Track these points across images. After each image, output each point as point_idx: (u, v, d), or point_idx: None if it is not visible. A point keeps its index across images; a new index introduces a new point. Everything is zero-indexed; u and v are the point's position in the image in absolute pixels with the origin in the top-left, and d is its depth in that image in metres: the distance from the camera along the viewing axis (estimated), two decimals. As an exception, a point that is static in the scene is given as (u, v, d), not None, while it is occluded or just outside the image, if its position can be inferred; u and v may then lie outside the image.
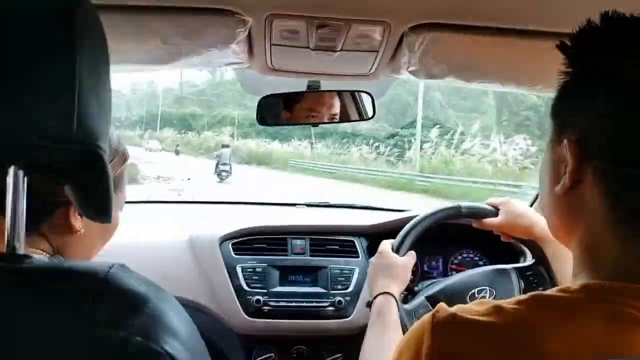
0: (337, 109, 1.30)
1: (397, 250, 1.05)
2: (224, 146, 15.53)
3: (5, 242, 0.43)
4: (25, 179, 0.43)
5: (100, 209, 0.45)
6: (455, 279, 1.14)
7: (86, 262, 0.44)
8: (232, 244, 1.44)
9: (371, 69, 1.07)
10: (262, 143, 27.33)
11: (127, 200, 1.92)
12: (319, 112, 1.28)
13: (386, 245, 1.07)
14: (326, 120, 1.28)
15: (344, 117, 1.33)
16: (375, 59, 0.99)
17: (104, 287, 0.41)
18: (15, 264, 0.42)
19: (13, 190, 0.43)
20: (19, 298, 0.40)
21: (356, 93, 1.31)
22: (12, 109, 0.37)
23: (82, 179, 0.43)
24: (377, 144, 21.74)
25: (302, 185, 14.77)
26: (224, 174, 13.71)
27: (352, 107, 1.35)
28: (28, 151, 0.39)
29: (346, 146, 24.12)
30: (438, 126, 19.73)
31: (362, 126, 25.98)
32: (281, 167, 22.37)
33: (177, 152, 25.65)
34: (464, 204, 1.12)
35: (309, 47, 0.94)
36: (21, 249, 0.43)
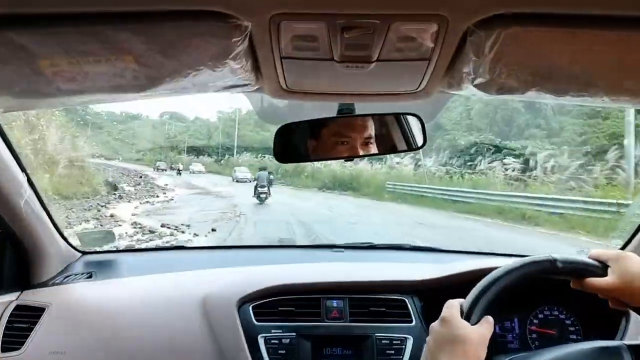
0: (371, 134, 1.12)
1: (467, 315, 0.84)
2: (261, 169, 17.79)
3: None
4: None
5: None
6: (547, 356, 0.91)
7: None
8: (253, 307, 1.30)
9: (420, 84, 0.86)
10: (348, 163, 25.09)
11: (138, 248, 1.93)
12: (348, 139, 1.11)
13: (452, 308, 0.86)
14: (361, 152, 1.11)
15: (384, 147, 1.16)
16: (426, 70, 0.79)
17: None
18: None
19: None
20: None
21: (401, 117, 1.14)
22: None
23: None
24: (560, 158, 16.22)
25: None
26: (262, 195, 15.52)
27: (395, 134, 1.16)
28: None
29: (476, 161, 19.35)
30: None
31: (467, 139, 23.67)
32: (374, 194, 19.25)
33: (269, 182, 22.39)
34: (560, 256, 0.90)
35: (332, 59, 0.75)
36: None
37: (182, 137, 48.76)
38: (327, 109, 1.10)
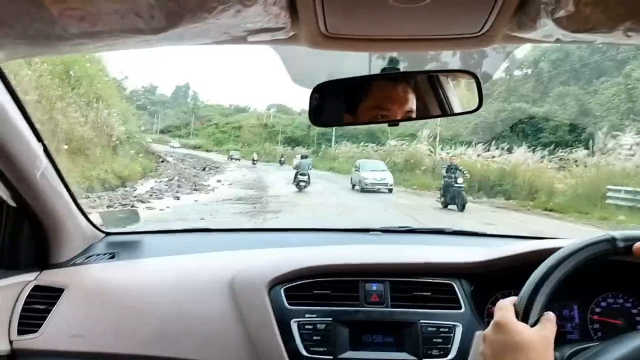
0: (415, 94, 1.10)
1: (524, 316, 0.81)
2: (302, 157, 18.87)
3: None
4: None
5: None
6: (625, 348, 0.83)
7: None
8: (285, 290, 1.32)
9: (485, 24, 0.81)
10: (492, 149, 19.41)
11: (164, 229, 1.98)
12: (393, 101, 1.09)
13: (506, 310, 0.82)
14: (399, 117, 1.09)
15: (432, 110, 1.14)
16: (495, 3, 0.74)
17: None
18: None
19: None
20: None
21: (444, 77, 1.11)
22: None
23: None
24: None
25: None
26: (302, 183, 16.42)
27: (445, 95, 1.13)
28: None
29: None
30: None
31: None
32: (571, 208, 13.03)
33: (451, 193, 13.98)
34: (619, 234, 0.84)
35: None
36: None
37: (284, 128, 50.57)
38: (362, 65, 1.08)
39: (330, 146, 37.32)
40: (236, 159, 37.24)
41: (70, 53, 0.94)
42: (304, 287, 1.32)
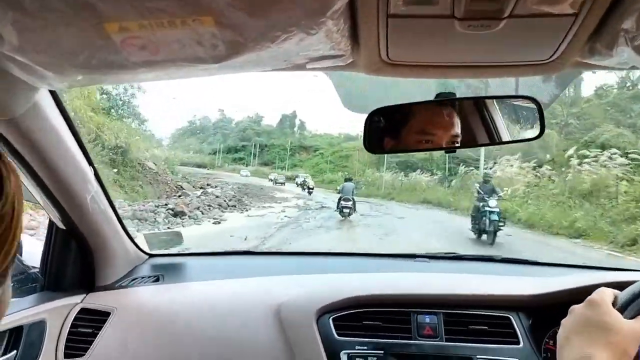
0: (459, 127, 1.11)
1: (623, 306, 0.85)
2: (346, 180, 18.54)
3: None
4: None
5: None
6: None
7: None
8: (334, 319, 1.37)
9: (556, 50, 0.83)
10: None
11: (205, 252, 2.03)
12: (434, 133, 1.11)
13: (605, 294, 0.87)
14: (444, 143, 1.11)
15: (474, 138, 1.14)
16: (570, 29, 0.77)
17: None
18: None
19: None
20: None
21: (504, 103, 1.13)
22: None
23: None
24: None
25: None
26: (345, 210, 15.90)
27: (506, 121, 1.15)
28: None
29: None
30: None
31: None
32: None
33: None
34: None
35: (452, 16, 0.74)
36: None
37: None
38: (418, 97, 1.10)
39: (477, 167, 23.22)
40: (280, 183, 35.91)
41: (131, 82, 1.01)
42: (353, 316, 1.36)
